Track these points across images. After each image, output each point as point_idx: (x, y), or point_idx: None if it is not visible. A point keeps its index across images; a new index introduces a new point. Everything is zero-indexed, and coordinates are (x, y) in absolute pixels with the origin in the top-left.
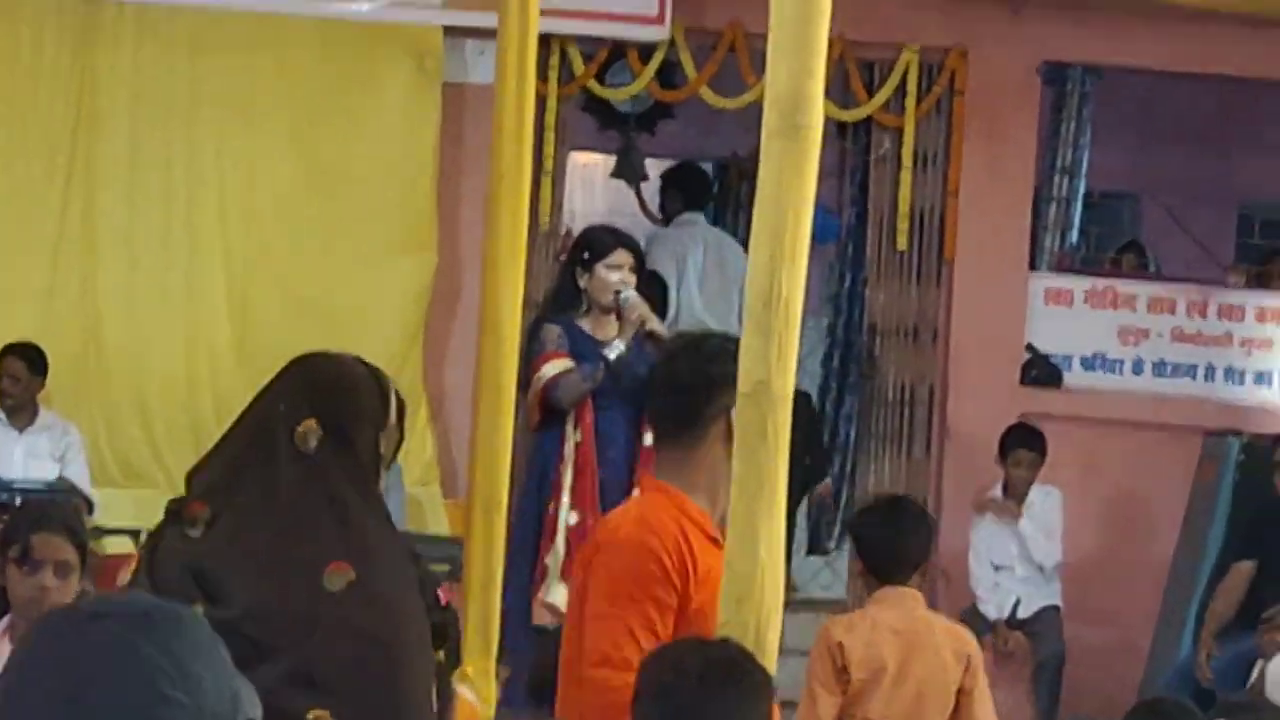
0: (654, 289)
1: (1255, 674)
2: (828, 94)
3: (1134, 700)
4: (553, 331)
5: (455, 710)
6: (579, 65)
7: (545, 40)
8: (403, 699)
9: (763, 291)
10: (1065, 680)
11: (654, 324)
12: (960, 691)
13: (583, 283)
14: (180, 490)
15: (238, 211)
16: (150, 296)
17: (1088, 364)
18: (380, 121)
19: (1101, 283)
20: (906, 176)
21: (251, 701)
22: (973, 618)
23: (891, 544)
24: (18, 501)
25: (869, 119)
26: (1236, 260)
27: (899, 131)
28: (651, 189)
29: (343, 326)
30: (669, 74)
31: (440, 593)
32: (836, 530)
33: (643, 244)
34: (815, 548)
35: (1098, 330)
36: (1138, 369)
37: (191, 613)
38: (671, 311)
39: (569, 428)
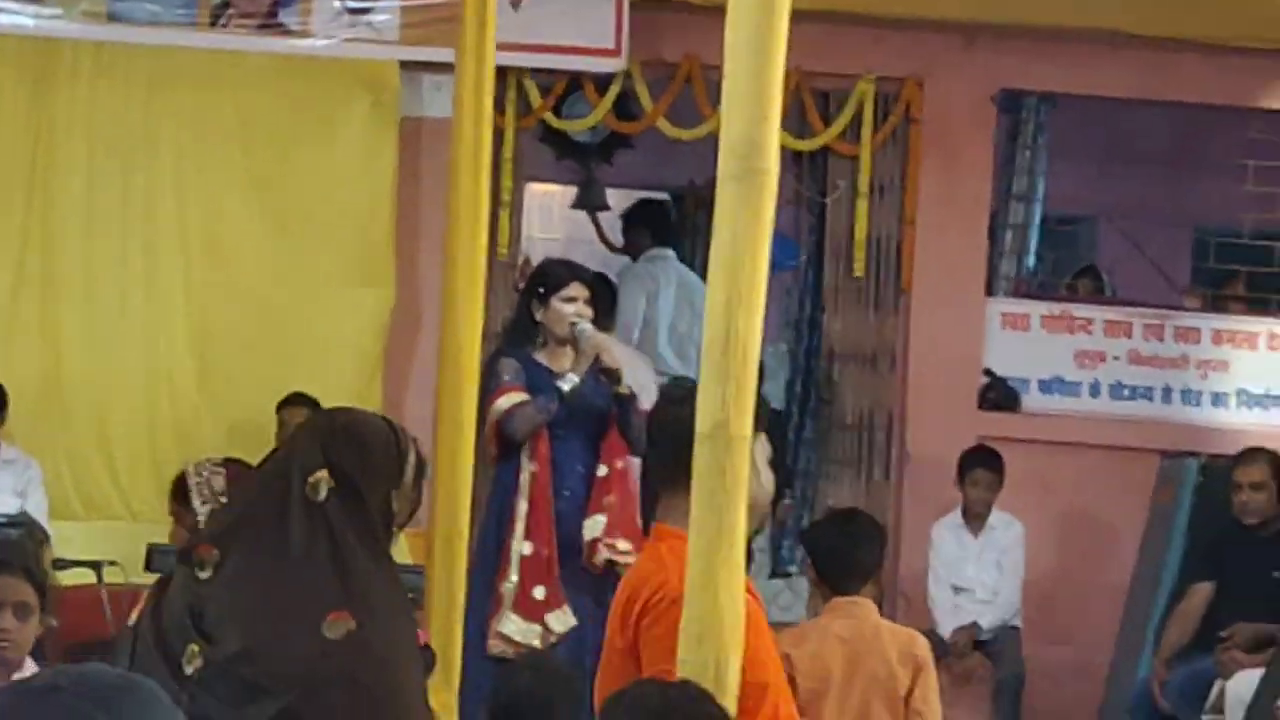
0: (603, 292)
1: (1215, 693)
2: (784, 124)
3: None
4: (509, 365)
5: None
6: (536, 98)
7: (502, 73)
8: None
9: (719, 335)
10: (1024, 701)
11: (608, 358)
12: (909, 694)
13: (539, 316)
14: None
15: (197, 247)
16: (110, 332)
17: (1045, 387)
18: (338, 156)
19: (1058, 307)
20: (863, 205)
21: None
22: (931, 640)
23: (845, 554)
24: None
25: (825, 148)
26: (1193, 283)
27: (855, 160)
28: (610, 218)
29: (302, 360)
30: (626, 105)
31: (420, 633)
32: (799, 554)
33: (614, 278)
34: (776, 571)
35: (1055, 354)
36: (1095, 392)
37: (150, 686)
38: (635, 340)
39: (524, 458)
